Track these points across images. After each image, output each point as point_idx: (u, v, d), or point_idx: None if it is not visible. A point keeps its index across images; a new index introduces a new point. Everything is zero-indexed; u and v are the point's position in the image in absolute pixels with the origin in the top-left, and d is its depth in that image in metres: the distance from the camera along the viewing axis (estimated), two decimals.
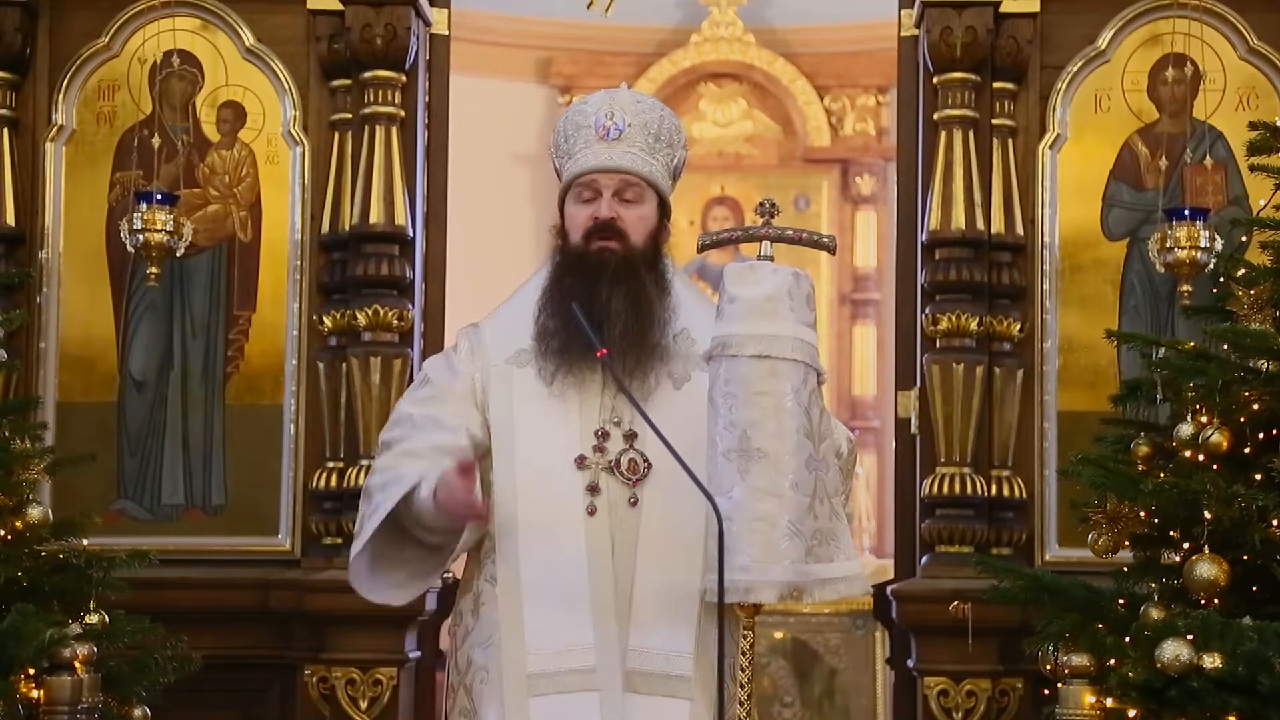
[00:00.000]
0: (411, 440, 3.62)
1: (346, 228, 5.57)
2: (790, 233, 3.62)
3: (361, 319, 5.51)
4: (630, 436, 3.60)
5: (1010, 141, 5.59)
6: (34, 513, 4.32)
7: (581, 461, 3.59)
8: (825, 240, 3.65)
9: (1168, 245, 5.18)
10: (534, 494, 3.59)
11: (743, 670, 3.47)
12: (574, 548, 3.55)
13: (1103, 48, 5.61)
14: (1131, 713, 3.61)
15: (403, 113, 5.62)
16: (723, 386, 3.44)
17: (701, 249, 3.71)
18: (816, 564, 3.43)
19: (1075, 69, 5.60)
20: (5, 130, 5.61)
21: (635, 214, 3.68)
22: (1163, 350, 4.16)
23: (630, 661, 3.53)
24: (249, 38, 5.70)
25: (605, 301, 3.58)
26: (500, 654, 3.55)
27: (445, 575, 5.16)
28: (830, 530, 3.47)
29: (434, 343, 5.67)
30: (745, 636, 3.47)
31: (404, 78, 5.62)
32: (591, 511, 3.56)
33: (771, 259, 3.55)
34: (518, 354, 3.66)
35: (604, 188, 3.68)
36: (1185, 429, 3.88)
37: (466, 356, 3.71)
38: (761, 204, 3.59)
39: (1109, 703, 3.66)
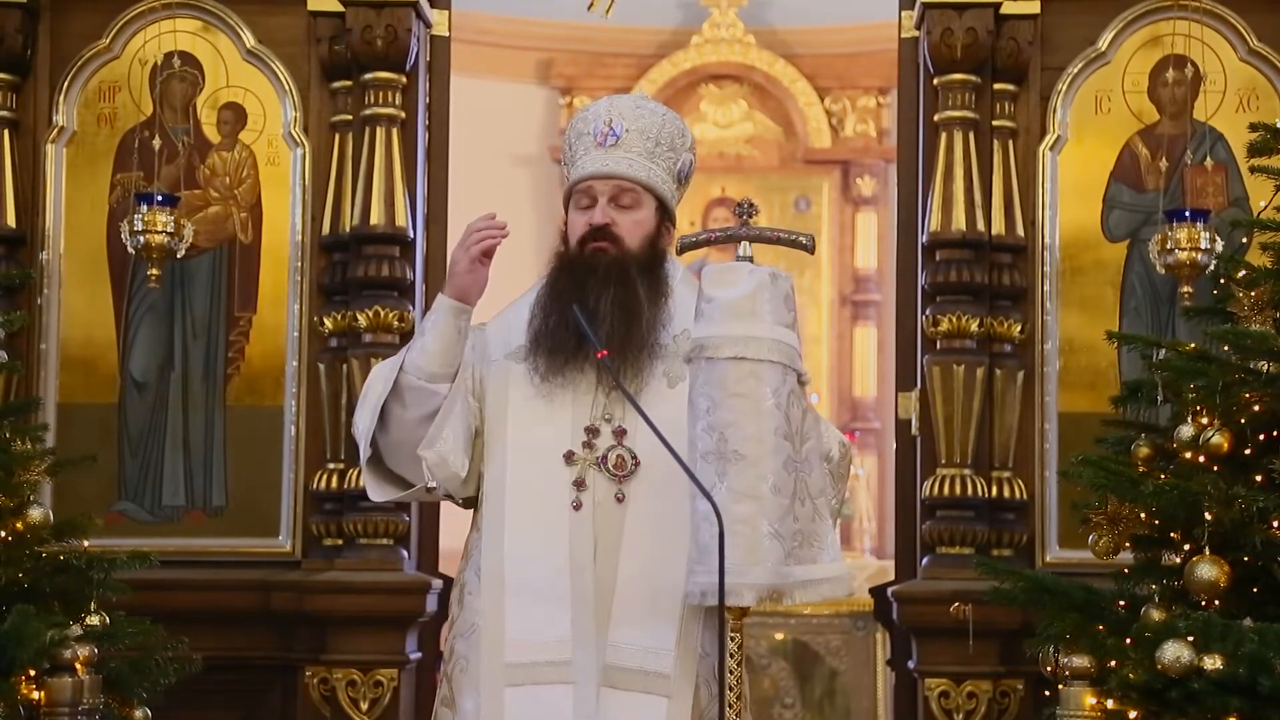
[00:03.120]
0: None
1: (347, 229, 5.58)
2: (768, 232, 3.60)
3: (362, 320, 5.51)
4: (620, 433, 3.63)
5: (1011, 143, 5.59)
6: (35, 514, 4.32)
7: (570, 457, 3.63)
8: (803, 239, 3.62)
9: (1168, 247, 5.18)
10: (521, 487, 3.63)
11: (731, 672, 3.46)
12: (558, 542, 3.58)
13: (1103, 49, 5.61)
14: (1132, 714, 3.60)
15: (403, 114, 5.62)
16: (701, 389, 3.43)
17: (681, 250, 3.73)
18: (798, 565, 3.41)
19: (1075, 70, 5.61)
20: (6, 131, 5.61)
21: (631, 219, 3.72)
22: (1163, 352, 4.16)
23: (608, 656, 3.56)
24: (249, 39, 5.70)
25: (595, 304, 3.62)
26: (479, 644, 3.59)
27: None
28: (813, 531, 3.44)
29: None
30: (733, 638, 3.45)
31: (404, 79, 5.63)
32: (577, 506, 3.60)
33: (750, 259, 3.53)
34: (516, 350, 3.72)
35: (599, 194, 3.73)
36: (1186, 430, 3.88)
37: (468, 353, 3.75)
38: (739, 204, 3.58)
39: (1110, 704, 3.65)
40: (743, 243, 3.54)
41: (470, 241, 3.65)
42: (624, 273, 3.67)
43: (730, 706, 3.46)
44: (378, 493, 3.75)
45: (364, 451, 3.71)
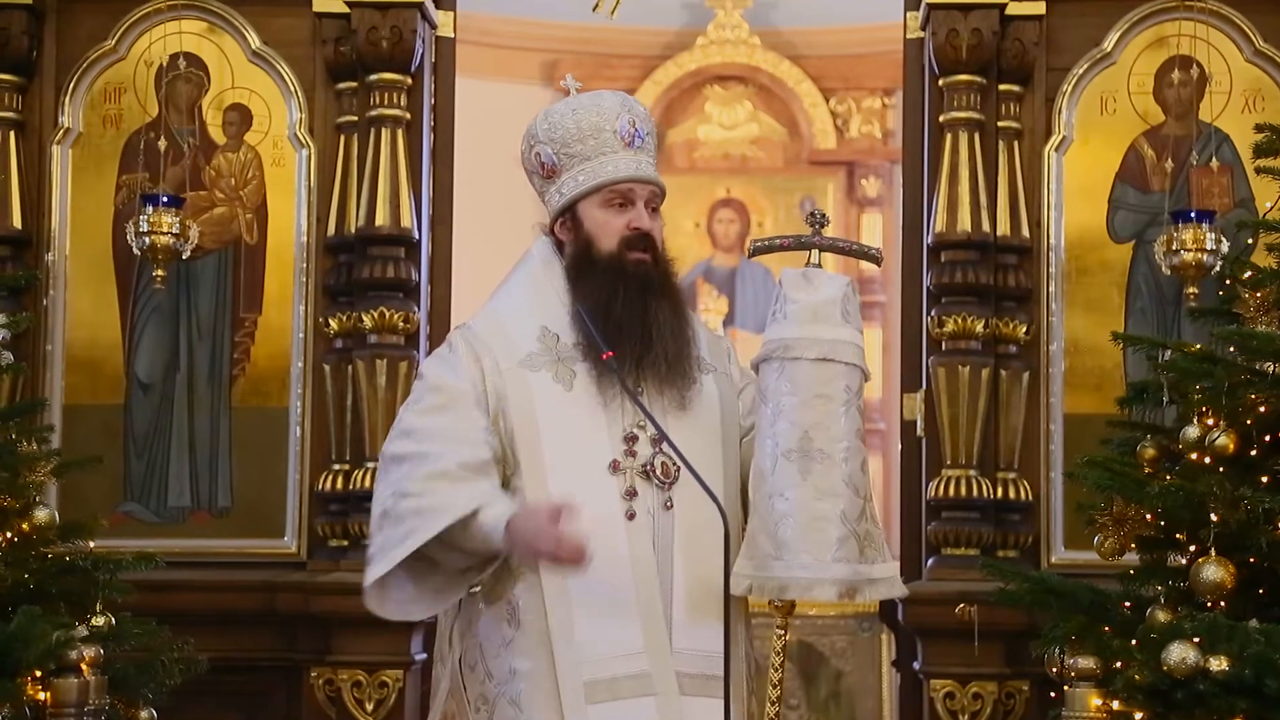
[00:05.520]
0: (434, 459, 3.51)
1: (352, 230, 5.58)
2: (841, 243, 3.74)
3: (367, 321, 5.52)
4: (657, 440, 3.55)
5: (1016, 144, 5.59)
6: (41, 515, 4.33)
7: (615, 466, 3.55)
8: (873, 252, 3.74)
9: (1174, 248, 5.18)
10: (571, 501, 3.49)
11: (775, 669, 3.53)
12: (618, 554, 3.49)
13: (1108, 50, 5.61)
14: (1138, 716, 3.60)
15: (408, 115, 5.62)
16: (781, 387, 3.50)
17: (753, 255, 3.76)
18: (866, 565, 3.50)
19: (1081, 71, 5.60)
20: (12, 133, 5.62)
21: (658, 225, 3.68)
22: (1169, 353, 4.16)
23: (678, 664, 3.51)
24: (255, 40, 5.70)
25: (654, 314, 3.56)
26: (554, 663, 3.48)
27: None
28: (873, 534, 3.54)
29: (439, 345, 5.66)
30: (778, 636, 3.54)
31: (410, 80, 5.63)
32: (631, 516, 3.53)
33: (819, 267, 3.63)
34: (528, 357, 3.59)
35: (638, 198, 3.65)
36: (1191, 431, 3.88)
37: (469, 360, 3.61)
38: (813, 214, 3.66)
39: (1115, 705, 3.65)
40: (813, 251, 3.64)
41: (564, 557, 3.40)
42: (669, 283, 3.65)
43: (772, 704, 3.54)
44: (401, 608, 3.64)
45: (377, 574, 3.54)
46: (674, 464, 3.53)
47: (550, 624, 3.50)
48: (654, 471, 3.55)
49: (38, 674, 3.92)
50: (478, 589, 3.59)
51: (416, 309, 5.59)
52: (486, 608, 3.59)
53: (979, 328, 5.47)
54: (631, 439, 3.56)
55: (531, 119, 3.76)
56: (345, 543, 5.51)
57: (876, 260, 3.73)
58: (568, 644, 3.48)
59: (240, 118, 5.71)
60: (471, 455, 3.51)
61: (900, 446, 5.85)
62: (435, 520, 3.46)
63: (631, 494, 3.54)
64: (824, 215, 3.67)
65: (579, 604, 3.49)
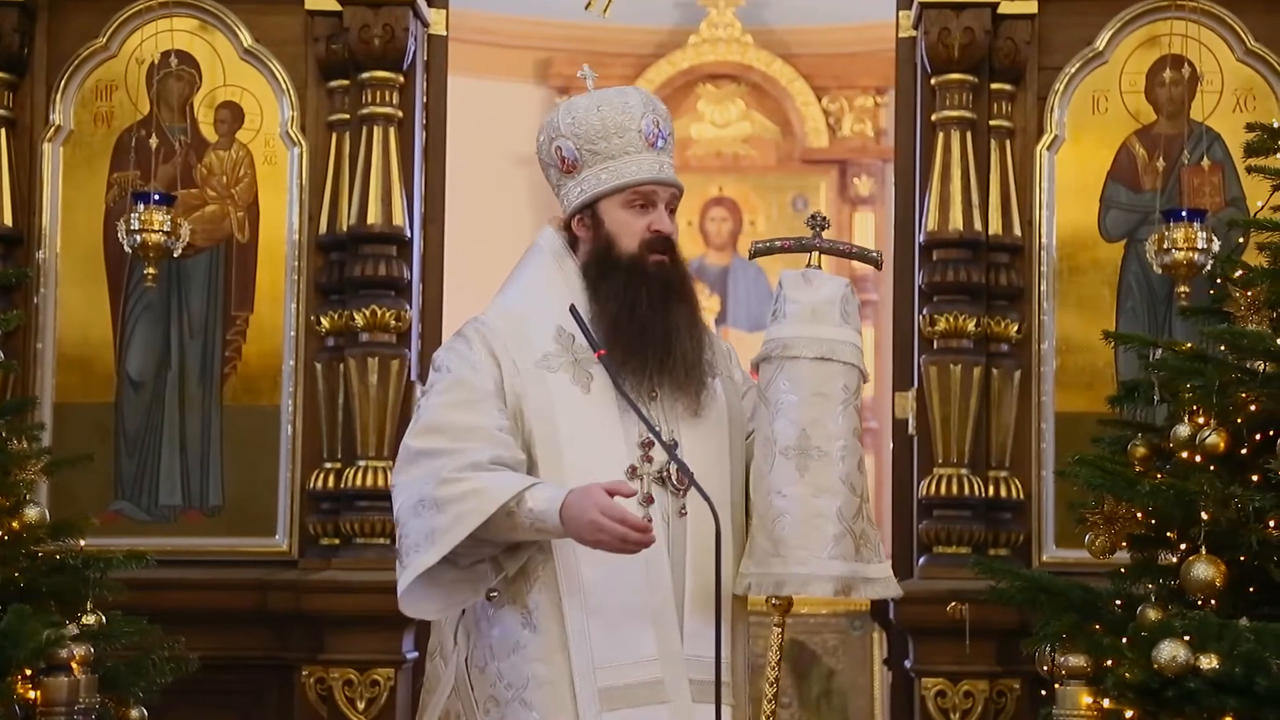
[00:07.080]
0: (470, 454, 3.46)
1: (344, 228, 5.58)
2: (841, 245, 3.78)
3: (359, 320, 5.51)
4: (672, 446, 3.53)
5: (1008, 142, 5.60)
6: (31, 513, 4.32)
7: (632, 472, 3.54)
8: (873, 255, 3.77)
9: (1165, 246, 5.18)
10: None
11: (772, 668, 3.56)
12: (635, 559, 3.46)
13: (1100, 49, 5.61)
14: (1129, 714, 3.61)
15: (400, 113, 5.62)
16: (781, 385, 3.54)
17: (754, 256, 3.78)
18: (863, 564, 3.53)
19: (1073, 70, 5.61)
20: (3, 130, 5.62)
21: (675, 228, 3.68)
22: (1160, 351, 4.16)
23: (689, 671, 3.51)
24: (247, 38, 5.70)
25: (675, 319, 3.56)
26: (571, 669, 3.48)
27: None
28: (869, 534, 3.57)
29: (432, 343, 5.66)
30: (776, 634, 3.58)
31: (402, 78, 5.63)
32: (647, 522, 3.50)
33: (819, 269, 3.67)
34: (545, 358, 3.56)
35: (660, 200, 3.63)
36: (1182, 430, 3.88)
37: (487, 357, 3.57)
38: (813, 216, 3.70)
39: (1106, 703, 3.66)
40: (813, 253, 3.69)
41: (625, 538, 3.37)
42: (687, 286, 3.65)
43: (769, 702, 3.56)
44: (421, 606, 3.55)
45: (407, 580, 3.47)
46: (688, 470, 3.51)
47: (568, 629, 3.49)
48: (669, 478, 3.55)
49: (28, 673, 3.91)
50: (495, 594, 3.54)
51: (408, 307, 5.59)
52: (498, 610, 3.57)
53: (971, 326, 5.47)
54: (647, 444, 3.55)
55: (552, 111, 3.72)
56: (337, 541, 5.51)
57: (877, 264, 3.77)
58: (584, 650, 3.47)
59: (232, 115, 5.71)
60: (506, 453, 3.49)
61: (892, 445, 5.86)
62: (489, 500, 3.40)
63: (648, 500, 3.54)
64: (824, 218, 3.70)
65: (595, 610, 3.49)
